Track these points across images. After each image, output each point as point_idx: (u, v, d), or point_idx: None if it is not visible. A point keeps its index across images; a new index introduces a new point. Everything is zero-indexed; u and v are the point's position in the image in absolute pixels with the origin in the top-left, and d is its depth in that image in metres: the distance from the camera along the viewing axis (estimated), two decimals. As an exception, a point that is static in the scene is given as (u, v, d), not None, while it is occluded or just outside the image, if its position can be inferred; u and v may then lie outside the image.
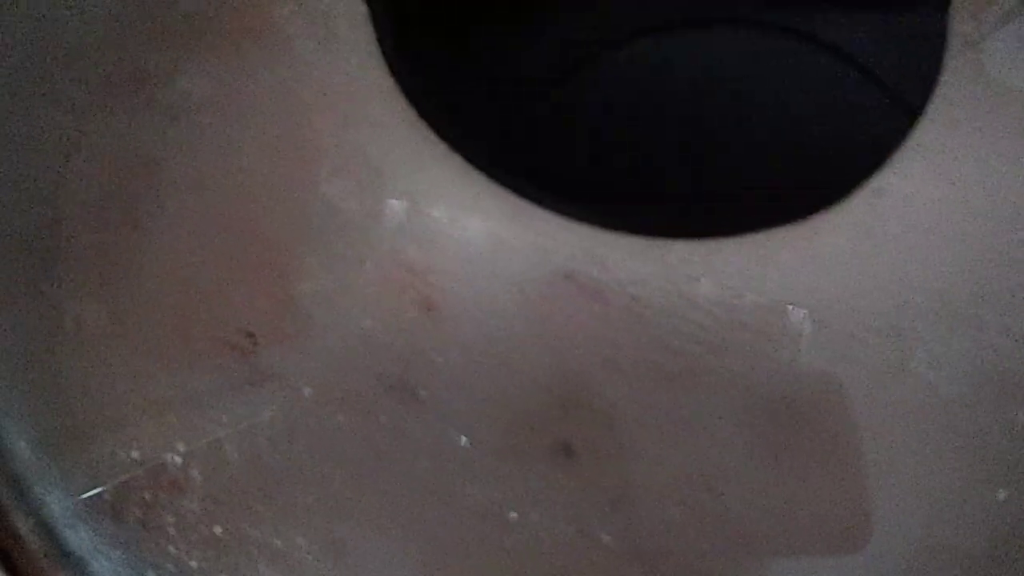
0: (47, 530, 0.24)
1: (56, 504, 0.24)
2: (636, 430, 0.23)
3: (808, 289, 0.24)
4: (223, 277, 0.24)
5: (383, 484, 0.23)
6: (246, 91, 0.24)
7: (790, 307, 0.24)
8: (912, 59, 0.24)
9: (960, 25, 0.25)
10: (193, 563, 0.23)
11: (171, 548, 0.23)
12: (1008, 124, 0.24)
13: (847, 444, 0.24)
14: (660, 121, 0.24)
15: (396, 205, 0.24)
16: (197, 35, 0.25)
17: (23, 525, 0.24)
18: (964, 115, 0.24)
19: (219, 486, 0.23)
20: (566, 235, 0.23)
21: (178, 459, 0.23)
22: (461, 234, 0.23)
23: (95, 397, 0.24)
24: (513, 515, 0.22)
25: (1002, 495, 0.23)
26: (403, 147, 0.24)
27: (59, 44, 0.25)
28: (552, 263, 0.23)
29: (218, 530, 0.23)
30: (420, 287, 0.23)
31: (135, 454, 0.24)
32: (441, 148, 0.23)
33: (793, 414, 0.23)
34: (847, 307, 0.24)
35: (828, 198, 0.24)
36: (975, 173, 0.24)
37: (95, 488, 0.24)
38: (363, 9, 0.24)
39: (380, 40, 0.23)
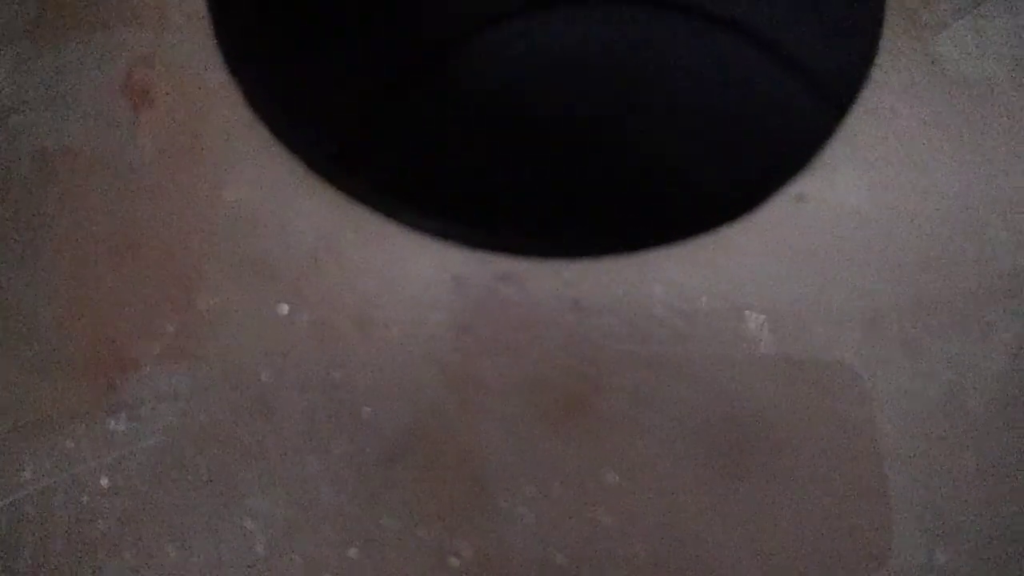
0: None
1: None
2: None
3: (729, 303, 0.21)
4: (111, 291, 0.23)
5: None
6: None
7: (747, 312, 0.21)
8: (840, 44, 0.21)
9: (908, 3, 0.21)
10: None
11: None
12: (957, 116, 0.21)
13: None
14: (546, 120, 0.21)
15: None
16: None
17: None
18: (905, 106, 0.21)
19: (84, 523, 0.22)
20: (481, 264, 0.21)
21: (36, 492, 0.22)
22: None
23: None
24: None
25: (940, 558, 0.20)
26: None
27: None
28: (474, 287, 0.21)
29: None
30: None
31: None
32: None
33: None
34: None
35: (743, 205, 0.21)
36: (914, 172, 0.21)
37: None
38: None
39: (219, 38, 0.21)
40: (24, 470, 0.21)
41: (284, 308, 0.21)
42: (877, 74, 0.21)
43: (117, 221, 0.22)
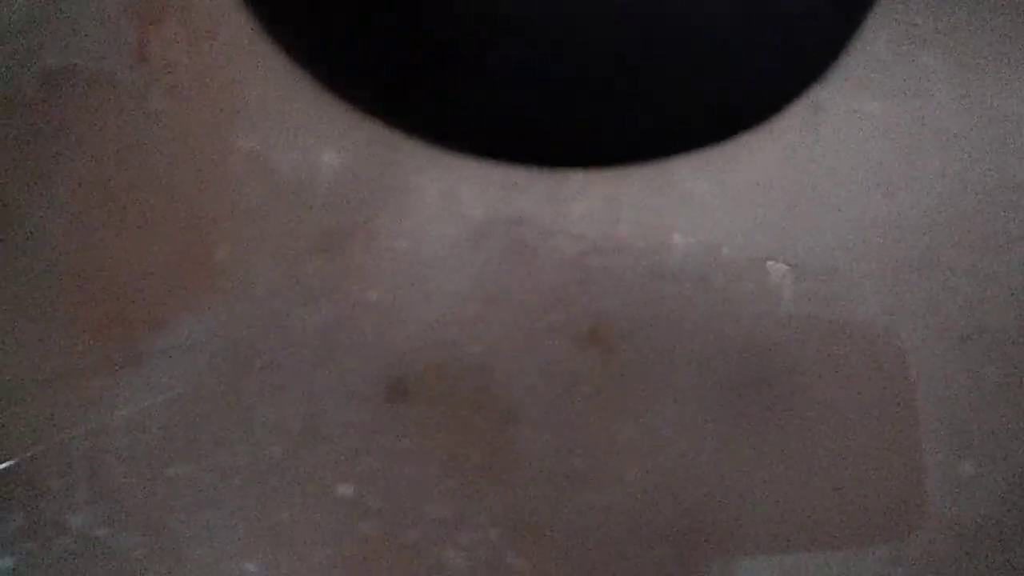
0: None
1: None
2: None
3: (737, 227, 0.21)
4: (128, 240, 0.23)
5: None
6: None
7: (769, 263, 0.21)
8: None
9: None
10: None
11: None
12: (984, 24, 0.20)
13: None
14: (549, 21, 0.21)
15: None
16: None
17: None
18: (927, 14, 0.20)
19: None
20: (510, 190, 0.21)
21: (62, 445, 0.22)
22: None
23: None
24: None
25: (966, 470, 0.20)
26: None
27: None
28: (500, 214, 0.21)
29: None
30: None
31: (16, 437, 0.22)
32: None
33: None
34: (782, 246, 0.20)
35: (757, 113, 0.20)
36: (937, 81, 0.20)
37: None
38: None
39: None
40: (44, 420, 0.21)
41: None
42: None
43: (126, 148, 0.22)
